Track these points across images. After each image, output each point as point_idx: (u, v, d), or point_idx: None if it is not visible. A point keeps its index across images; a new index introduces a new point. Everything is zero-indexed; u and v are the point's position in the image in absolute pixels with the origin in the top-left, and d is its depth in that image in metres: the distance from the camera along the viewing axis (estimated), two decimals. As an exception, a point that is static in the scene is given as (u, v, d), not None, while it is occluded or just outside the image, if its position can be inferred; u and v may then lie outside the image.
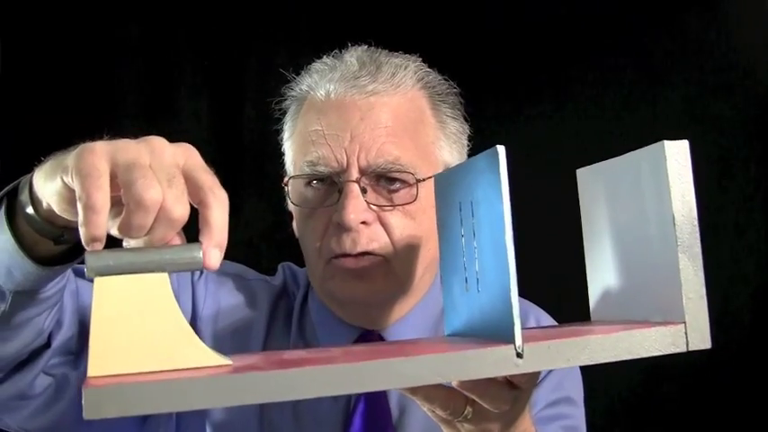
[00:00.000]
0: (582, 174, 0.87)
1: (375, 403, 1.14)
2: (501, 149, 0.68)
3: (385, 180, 1.10)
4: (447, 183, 0.84)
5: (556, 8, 2.42)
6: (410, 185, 1.10)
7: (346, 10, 2.35)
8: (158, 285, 0.69)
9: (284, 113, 1.22)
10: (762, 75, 2.42)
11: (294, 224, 1.21)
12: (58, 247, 0.85)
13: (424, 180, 1.10)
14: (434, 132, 1.16)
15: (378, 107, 1.11)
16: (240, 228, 2.35)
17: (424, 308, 1.18)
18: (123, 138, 0.73)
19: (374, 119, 1.10)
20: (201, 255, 0.69)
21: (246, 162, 2.39)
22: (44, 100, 2.28)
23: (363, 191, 1.08)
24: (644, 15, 2.43)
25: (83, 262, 0.70)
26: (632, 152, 0.78)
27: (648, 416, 2.41)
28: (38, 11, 2.32)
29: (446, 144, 1.17)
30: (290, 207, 1.20)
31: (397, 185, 1.10)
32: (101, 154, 0.69)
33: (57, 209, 0.77)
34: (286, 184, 1.18)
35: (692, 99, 2.41)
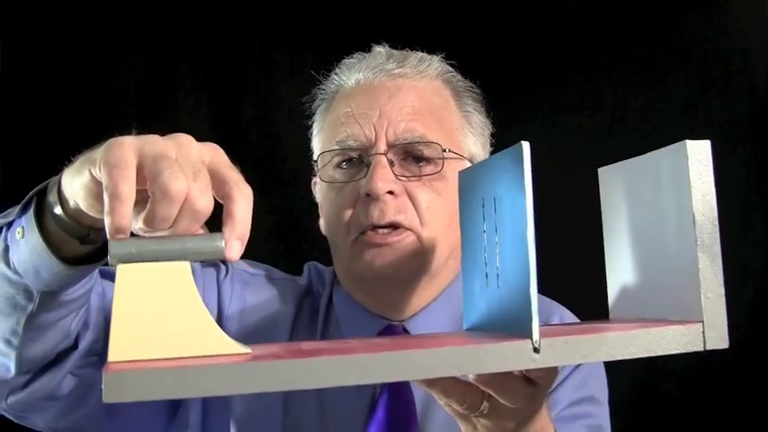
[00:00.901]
0: (603, 172, 0.87)
1: (398, 399, 1.15)
2: (526, 145, 0.68)
3: (412, 157, 1.13)
4: (470, 179, 0.84)
5: (555, 7, 2.43)
6: (435, 162, 1.13)
7: (346, 11, 2.35)
8: (180, 273, 0.69)
9: (312, 113, 1.26)
10: (761, 74, 2.42)
11: (321, 220, 1.23)
12: (84, 247, 0.87)
13: (450, 153, 1.13)
14: (459, 120, 1.20)
15: (405, 89, 1.16)
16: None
17: (449, 300, 1.19)
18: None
19: (402, 98, 1.15)
20: (223, 244, 0.70)
21: (247, 162, 2.41)
22: (44, 100, 2.28)
23: (391, 163, 1.11)
24: (643, 15, 2.42)
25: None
26: (654, 151, 0.78)
27: (648, 416, 2.42)
28: (38, 11, 2.32)
29: (471, 134, 1.21)
30: (319, 197, 1.23)
31: (424, 162, 1.13)
32: (129, 146, 0.70)
33: (83, 205, 0.78)
34: (315, 183, 1.23)
35: (692, 99, 2.41)
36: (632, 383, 2.37)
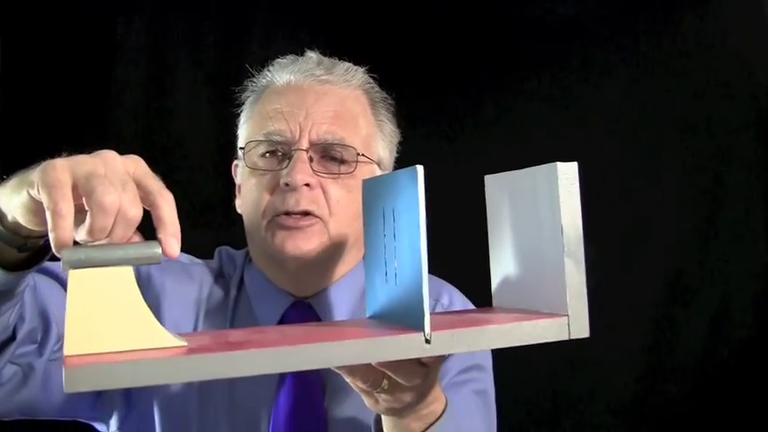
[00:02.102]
0: (489, 179, 1.00)
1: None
2: (420, 168, 0.81)
3: (329, 156, 1.28)
4: (373, 188, 0.97)
5: (550, 6, 2.53)
6: (349, 163, 1.27)
7: (346, 11, 2.44)
8: (124, 277, 0.81)
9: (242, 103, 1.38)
10: (761, 75, 2.51)
11: (238, 200, 1.36)
12: (21, 254, 0.96)
13: (363, 156, 1.28)
14: (373, 127, 1.35)
15: (330, 94, 1.30)
16: (238, 226, 2.46)
17: (350, 283, 1.34)
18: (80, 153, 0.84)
19: (326, 102, 1.29)
20: (160, 250, 0.81)
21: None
22: (44, 100, 2.33)
23: (310, 159, 1.26)
24: (643, 15, 2.52)
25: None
26: (532, 167, 0.91)
27: (648, 416, 2.51)
28: (38, 11, 2.34)
29: (382, 140, 1.36)
30: (239, 180, 1.36)
31: (339, 162, 1.28)
32: (62, 168, 0.79)
33: (22, 220, 0.88)
34: (236, 165, 1.36)
35: (692, 99, 2.50)
36: (632, 383, 2.48)
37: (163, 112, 2.49)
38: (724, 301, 2.51)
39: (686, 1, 2.55)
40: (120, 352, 0.78)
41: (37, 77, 2.36)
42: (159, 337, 0.80)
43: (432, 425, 1.05)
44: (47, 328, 1.14)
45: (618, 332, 2.25)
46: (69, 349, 0.78)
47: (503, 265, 0.99)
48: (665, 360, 2.50)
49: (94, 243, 0.81)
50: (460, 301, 1.39)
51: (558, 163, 0.87)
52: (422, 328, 0.81)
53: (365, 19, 2.46)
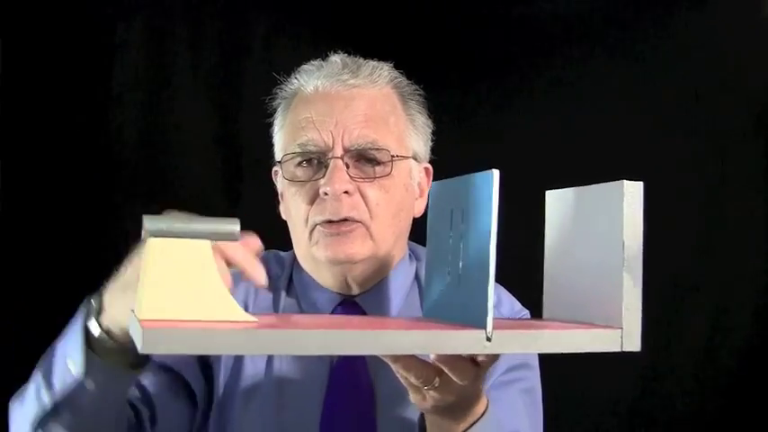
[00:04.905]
0: (550, 195, 1.04)
1: (352, 364, 1.32)
2: (496, 173, 0.84)
3: (364, 159, 1.29)
4: (442, 191, 1.00)
5: (549, 6, 2.54)
6: (385, 164, 1.29)
7: (345, 11, 2.45)
8: (201, 250, 0.84)
9: (275, 111, 1.41)
10: (760, 74, 2.52)
11: (282, 206, 1.39)
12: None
13: (398, 157, 1.30)
14: (405, 123, 1.37)
15: (358, 98, 1.32)
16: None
17: (396, 279, 1.37)
18: None
19: (355, 107, 1.30)
20: (239, 228, 0.85)
21: (246, 162, 2.50)
22: (44, 100, 2.34)
23: (346, 166, 1.28)
24: (642, 15, 2.53)
25: None
26: (596, 185, 0.94)
27: (648, 416, 2.51)
28: (38, 11, 2.35)
29: (415, 134, 1.38)
30: (280, 187, 1.39)
31: (375, 163, 1.29)
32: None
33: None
34: (276, 172, 1.39)
35: (692, 99, 2.50)
36: (632, 383, 2.47)
37: (163, 112, 2.49)
38: (724, 301, 2.51)
39: (685, 1, 2.56)
40: (194, 321, 0.81)
41: (37, 77, 2.36)
42: (232, 310, 0.83)
43: (473, 425, 1.08)
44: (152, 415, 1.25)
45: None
46: (144, 314, 0.81)
47: (557, 277, 1.01)
48: (665, 360, 2.50)
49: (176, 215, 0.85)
50: (508, 300, 1.42)
51: (625, 181, 0.90)
52: (484, 326, 0.83)
53: (365, 19, 2.46)
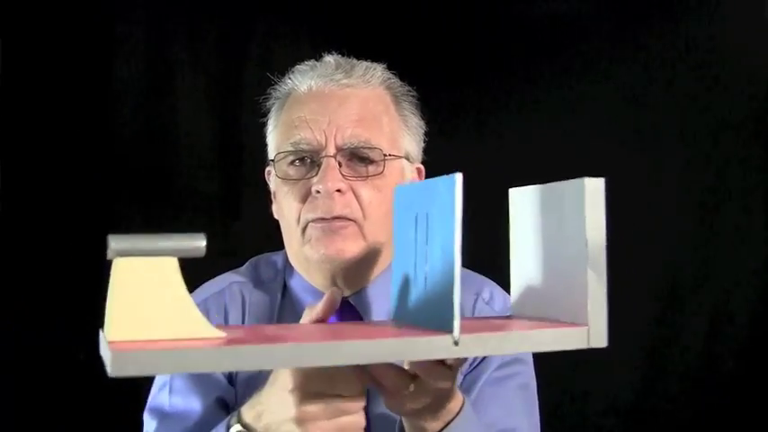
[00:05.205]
0: (513, 193, 1.04)
1: None
2: (459, 177, 0.85)
3: (357, 158, 1.31)
4: (406, 195, 1.00)
5: (550, 6, 2.55)
6: (377, 163, 1.30)
7: (345, 11, 2.46)
8: (168, 267, 0.84)
9: (268, 110, 1.42)
10: (761, 75, 2.54)
11: (274, 206, 1.40)
12: None
13: (390, 156, 1.31)
14: (397, 123, 1.38)
15: (352, 97, 1.33)
16: (238, 225, 2.50)
17: (387, 279, 1.37)
18: None
19: (348, 106, 1.32)
20: (204, 243, 0.85)
21: (246, 162, 2.51)
22: (44, 100, 2.34)
23: (339, 165, 1.29)
24: (642, 15, 2.54)
25: None
26: (558, 182, 0.95)
27: (648, 416, 2.53)
28: (38, 11, 2.35)
29: (407, 134, 1.39)
30: (273, 187, 1.40)
31: (367, 162, 1.31)
32: None
33: None
34: (269, 172, 1.40)
35: (692, 99, 2.52)
36: (632, 383, 2.51)
37: (163, 112, 2.51)
38: (724, 301, 2.54)
39: (687, 1, 2.58)
40: (162, 340, 0.81)
41: (37, 77, 2.37)
42: (200, 327, 0.84)
43: (449, 424, 1.09)
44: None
45: (618, 332, 2.27)
46: (112, 335, 0.81)
47: (523, 275, 1.02)
48: (665, 360, 2.53)
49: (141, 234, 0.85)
50: (500, 296, 1.43)
51: (586, 178, 0.90)
52: (451, 330, 0.84)
53: (365, 18, 2.48)
